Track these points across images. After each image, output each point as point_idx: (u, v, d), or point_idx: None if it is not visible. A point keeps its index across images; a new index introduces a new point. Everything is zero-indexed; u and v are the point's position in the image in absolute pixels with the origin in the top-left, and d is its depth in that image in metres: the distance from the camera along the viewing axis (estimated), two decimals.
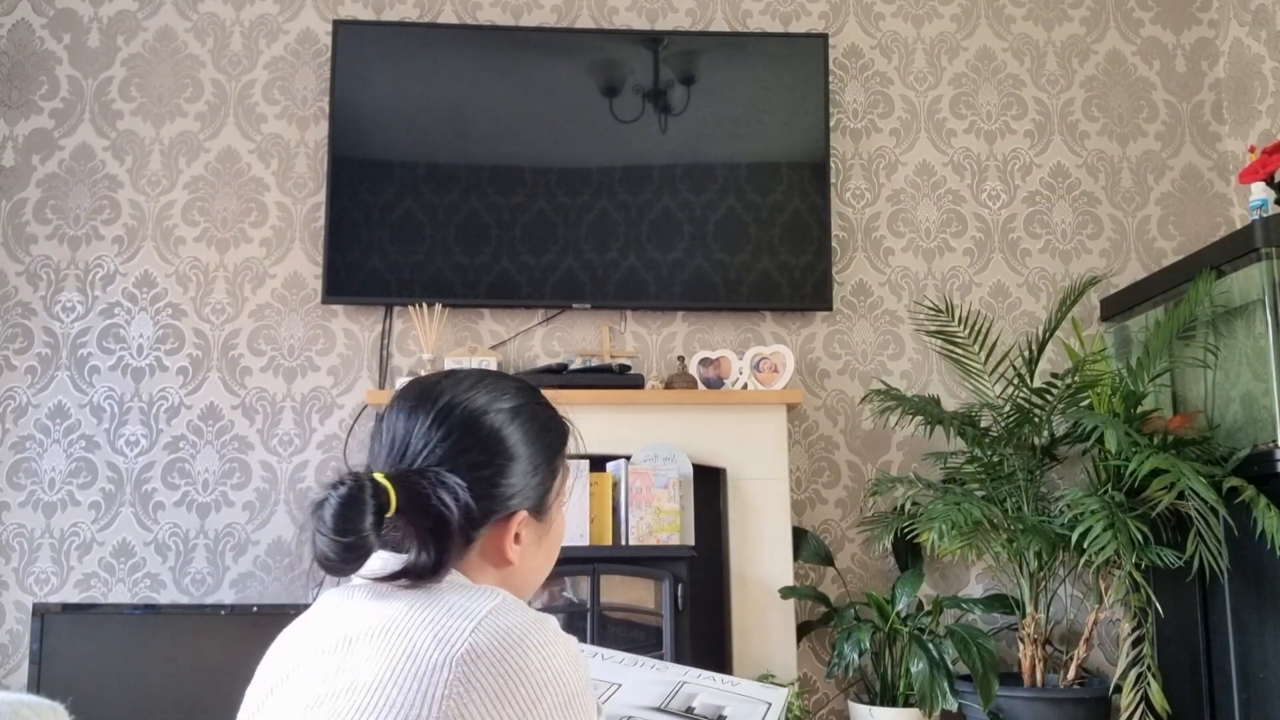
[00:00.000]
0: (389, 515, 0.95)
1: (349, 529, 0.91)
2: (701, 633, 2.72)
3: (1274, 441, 2.45)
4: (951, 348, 2.92)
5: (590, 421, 3.08)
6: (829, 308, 3.13)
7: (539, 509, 1.08)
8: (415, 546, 0.96)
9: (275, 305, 3.12)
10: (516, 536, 1.05)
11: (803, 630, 2.92)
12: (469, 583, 0.99)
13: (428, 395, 1.06)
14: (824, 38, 3.24)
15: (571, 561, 2.53)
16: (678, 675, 1.45)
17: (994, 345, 2.94)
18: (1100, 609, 2.72)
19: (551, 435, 1.12)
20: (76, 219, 3.13)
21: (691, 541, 2.73)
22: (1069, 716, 2.61)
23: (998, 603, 2.85)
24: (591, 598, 2.53)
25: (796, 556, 2.93)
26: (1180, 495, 2.40)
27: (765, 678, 2.64)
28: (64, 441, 3.03)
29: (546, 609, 2.65)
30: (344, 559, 0.92)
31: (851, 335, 3.21)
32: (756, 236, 3.12)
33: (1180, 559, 2.45)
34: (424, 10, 3.26)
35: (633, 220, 3.10)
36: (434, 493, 0.98)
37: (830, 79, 3.26)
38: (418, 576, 0.95)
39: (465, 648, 0.88)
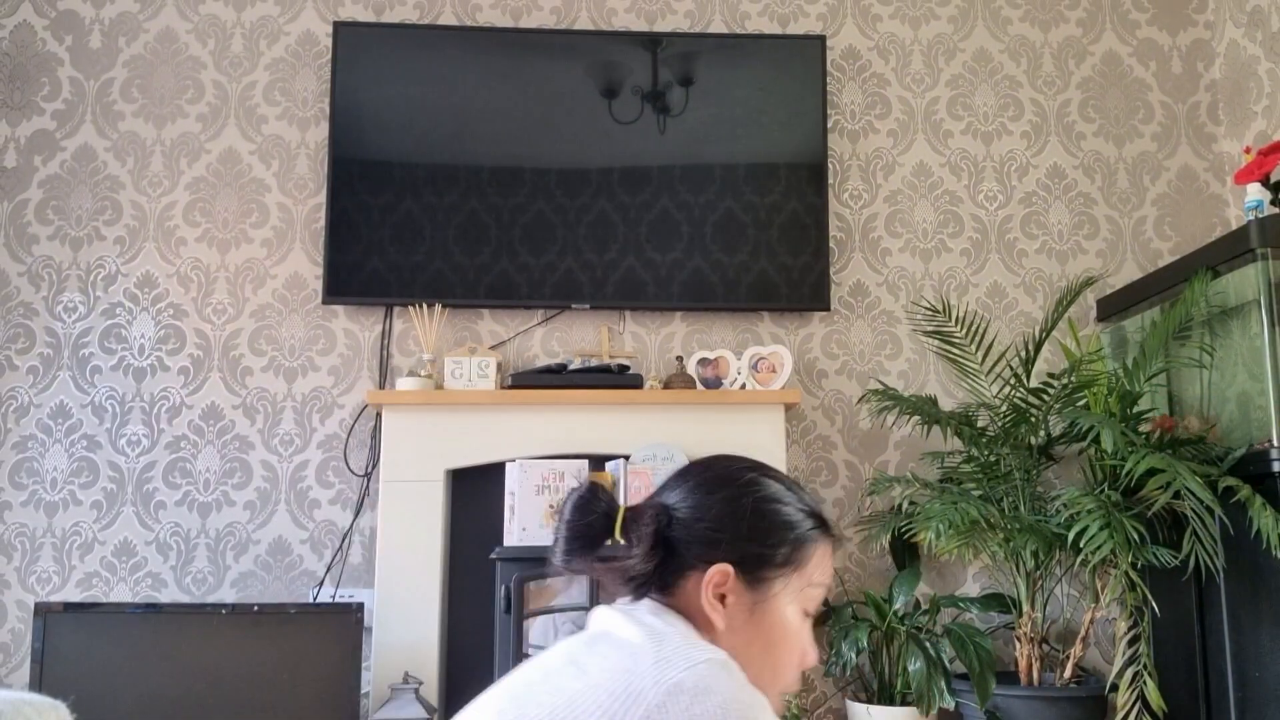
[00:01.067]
0: (613, 540, 1.09)
1: (575, 521, 1.08)
2: None
3: (1270, 441, 2.46)
4: (948, 348, 2.93)
5: (589, 421, 3.11)
6: (827, 308, 3.15)
7: (751, 574, 1.07)
8: (634, 558, 1.08)
9: (276, 305, 3.13)
10: (722, 598, 1.06)
11: None
12: (696, 637, 1.03)
13: (709, 465, 1.16)
14: (822, 39, 3.25)
15: None
16: None
17: (991, 345, 2.95)
18: (1097, 608, 2.73)
19: (790, 516, 1.11)
20: (78, 220, 3.14)
21: None
22: (1066, 715, 2.62)
23: (994, 602, 2.87)
24: (591, 598, 2.54)
25: None
26: (1176, 495, 2.41)
27: None
28: (65, 441, 3.04)
29: (544, 611, 2.66)
30: (567, 548, 1.08)
31: (849, 335, 3.22)
32: (754, 237, 3.13)
33: (1176, 558, 2.46)
34: (424, 12, 3.27)
35: (631, 221, 3.11)
36: (646, 512, 1.09)
37: (828, 80, 3.27)
38: (632, 580, 1.08)
39: (675, 680, 0.91)
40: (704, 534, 1.08)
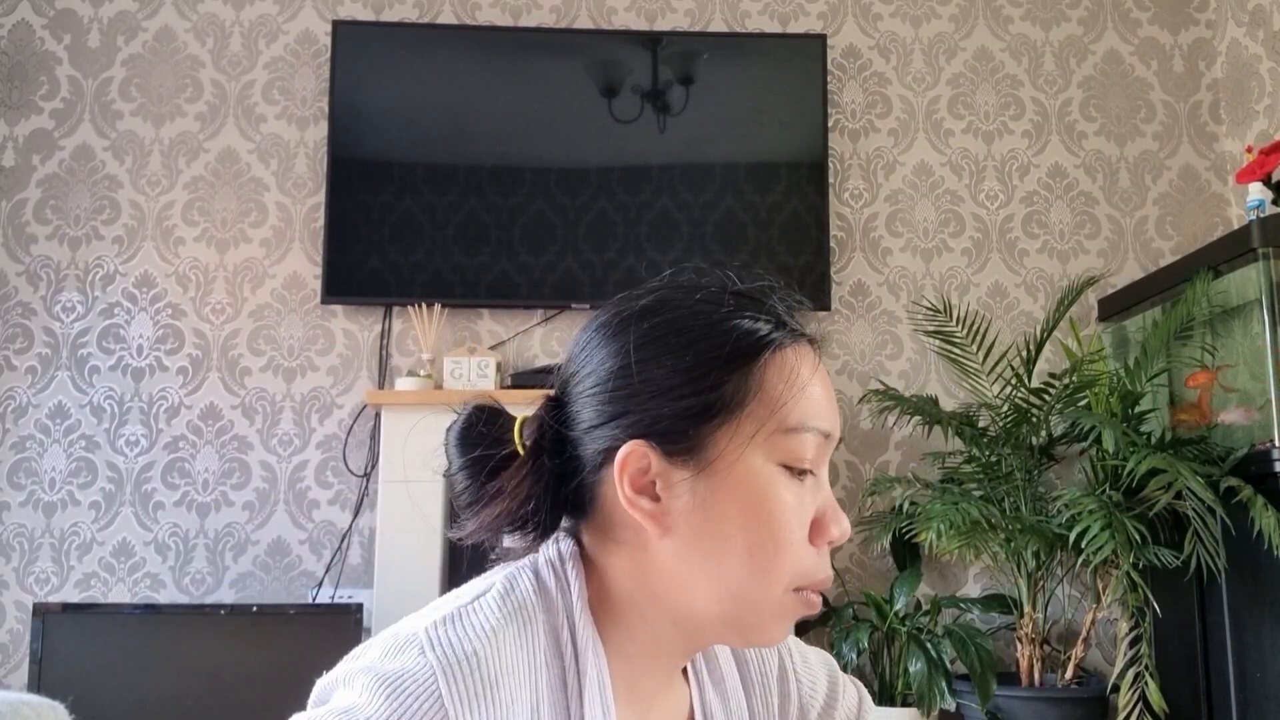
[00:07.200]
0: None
1: (464, 458, 0.83)
2: None
3: (1271, 441, 2.45)
4: (949, 348, 2.92)
5: None
6: (827, 308, 3.14)
7: (676, 440, 0.71)
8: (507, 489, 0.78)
9: (275, 305, 3.12)
10: (645, 488, 0.72)
11: (800, 629, 2.93)
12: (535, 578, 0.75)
13: (607, 308, 0.82)
14: (822, 38, 3.24)
15: None
16: None
17: (992, 345, 2.94)
18: (1098, 608, 2.73)
19: (713, 332, 0.75)
20: (76, 219, 3.13)
21: None
22: (1067, 716, 2.62)
23: (996, 602, 2.86)
24: None
25: None
26: (1178, 495, 2.41)
27: None
28: (64, 441, 3.03)
29: None
30: (462, 502, 0.83)
31: (850, 335, 3.21)
32: (755, 237, 3.12)
33: (1178, 559, 2.45)
34: (423, 10, 3.26)
35: (631, 220, 3.10)
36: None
37: (829, 79, 3.26)
38: (516, 528, 0.78)
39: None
40: (600, 410, 0.74)
